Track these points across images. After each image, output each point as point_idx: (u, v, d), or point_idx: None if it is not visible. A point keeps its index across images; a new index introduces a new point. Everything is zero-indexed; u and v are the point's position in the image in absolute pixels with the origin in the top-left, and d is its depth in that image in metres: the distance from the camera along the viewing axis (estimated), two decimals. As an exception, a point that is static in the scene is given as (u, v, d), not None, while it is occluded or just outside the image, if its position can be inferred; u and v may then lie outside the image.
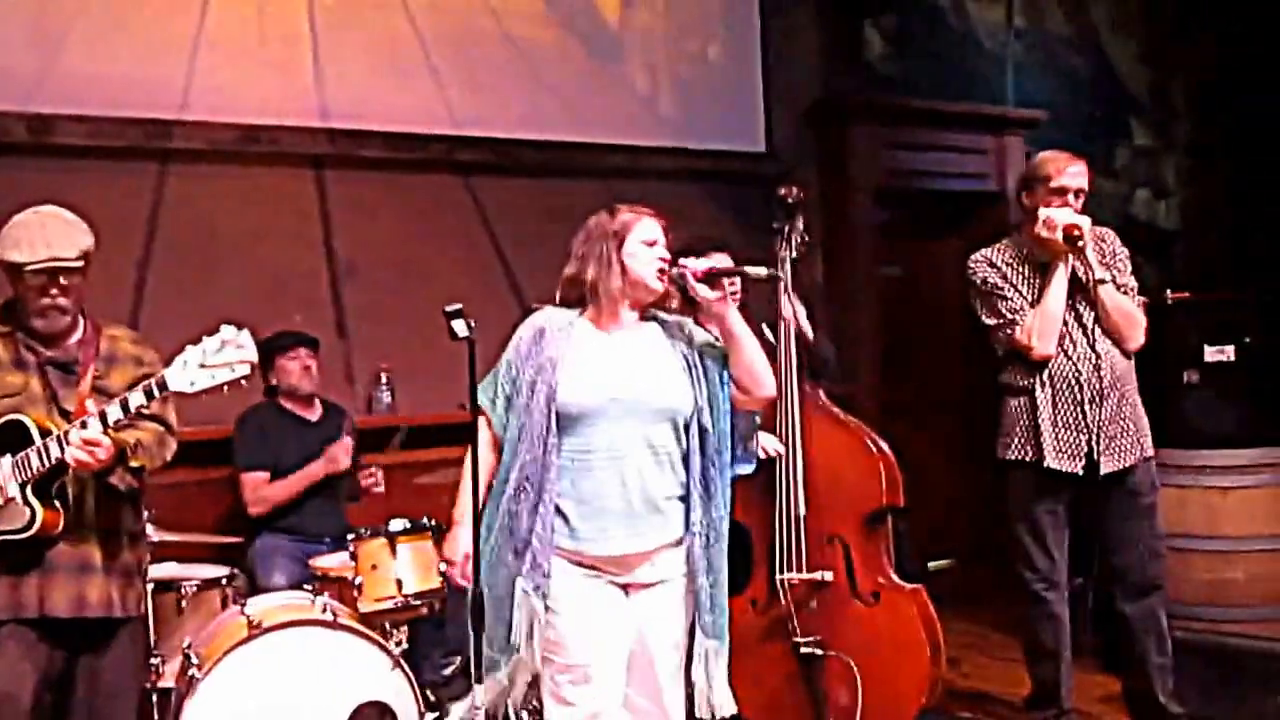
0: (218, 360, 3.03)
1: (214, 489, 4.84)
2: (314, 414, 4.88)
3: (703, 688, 3.08)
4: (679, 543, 3.08)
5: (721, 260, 4.41)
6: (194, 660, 3.76)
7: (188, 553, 4.55)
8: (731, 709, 3.14)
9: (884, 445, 4.27)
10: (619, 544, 3.00)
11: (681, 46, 6.37)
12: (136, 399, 3.09)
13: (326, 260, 5.43)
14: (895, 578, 4.19)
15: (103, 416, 3.09)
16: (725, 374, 3.09)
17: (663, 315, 3.16)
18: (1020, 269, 4.20)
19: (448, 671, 4.50)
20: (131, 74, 5.01)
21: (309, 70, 5.36)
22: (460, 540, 3.08)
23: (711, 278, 3.05)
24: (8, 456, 3.15)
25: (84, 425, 3.09)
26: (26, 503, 3.13)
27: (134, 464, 3.23)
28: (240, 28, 5.24)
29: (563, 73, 5.96)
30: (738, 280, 4.46)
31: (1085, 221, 4.00)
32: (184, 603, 4.20)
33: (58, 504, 3.18)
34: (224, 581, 4.33)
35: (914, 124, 6.92)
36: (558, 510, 2.98)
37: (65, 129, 4.87)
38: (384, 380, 5.47)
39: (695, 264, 3.06)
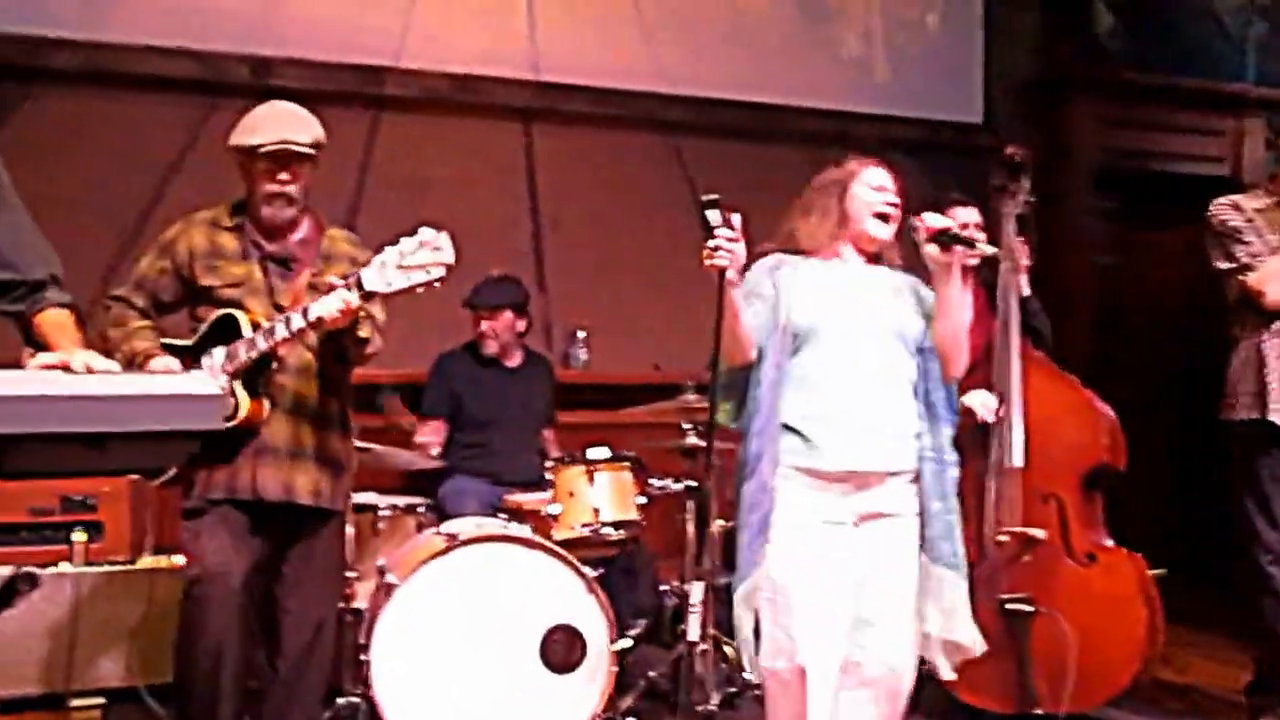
0: (414, 261, 3.01)
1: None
2: (514, 360, 4.82)
3: (938, 626, 2.94)
4: (913, 478, 2.93)
5: (969, 215, 4.23)
6: (390, 573, 3.73)
7: (383, 483, 4.55)
8: (979, 645, 2.98)
9: (1106, 406, 4.03)
10: (851, 459, 2.86)
11: (899, 13, 6.23)
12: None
13: (530, 213, 5.43)
14: (1111, 541, 3.93)
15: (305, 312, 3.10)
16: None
17: (891, 269, 3.05)
18: (1270, 216, 3.88)
19: (632, 634, 4.35)
20: (350, 20, 5.13)
21: (523, 23, 5.41)
22: None
23: (942, 238, 2.86)
24: (221, 348, 3.20)
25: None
26: (234, 393, 3.15)
27: (361, 333, 3.25)
28: (456, -22, 5.31)
29: (775, 35, 5.90)
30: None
31: None
32: (379, 525, 4.19)
33: (264, 396, 3.21)
34: (420, 510, 4.32)
35: (1143, 101, 6.55)
36: (788, 428, 2.86)
37: (284, 72, 5.00)
38: (580, 337, 5.42)
39: (933, 220, 2.89)
